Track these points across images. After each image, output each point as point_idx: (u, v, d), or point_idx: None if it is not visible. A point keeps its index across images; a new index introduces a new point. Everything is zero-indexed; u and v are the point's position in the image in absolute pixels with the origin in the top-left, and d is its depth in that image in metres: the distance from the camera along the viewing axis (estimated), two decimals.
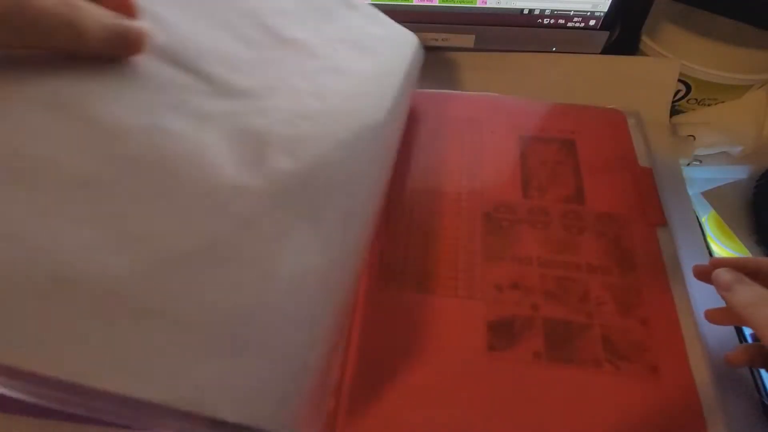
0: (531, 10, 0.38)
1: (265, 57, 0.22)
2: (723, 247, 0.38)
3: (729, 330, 0.28)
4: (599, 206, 0.32)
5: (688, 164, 0.42)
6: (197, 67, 0.19)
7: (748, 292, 0.21)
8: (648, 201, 0.32)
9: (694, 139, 0.40)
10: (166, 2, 0.19)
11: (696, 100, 0.42)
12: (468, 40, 0.41)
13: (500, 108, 0.38)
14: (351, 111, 0.24)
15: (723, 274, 0.23)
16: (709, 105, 0.42)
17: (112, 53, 0.16)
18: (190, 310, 0.14)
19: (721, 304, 0.27)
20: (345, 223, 0.21)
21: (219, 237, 0.16)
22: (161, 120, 0.16)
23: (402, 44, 0.33)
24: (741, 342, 0.28)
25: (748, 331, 0.28)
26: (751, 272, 0.23)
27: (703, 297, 0.27)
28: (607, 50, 0.41)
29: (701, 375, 0.25)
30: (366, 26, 0.30)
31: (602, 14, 0.38)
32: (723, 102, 0.41)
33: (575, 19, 0.39)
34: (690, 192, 0.35)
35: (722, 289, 0.22)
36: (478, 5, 0.39)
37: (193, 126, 0.17)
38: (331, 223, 0.20)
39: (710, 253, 0.32)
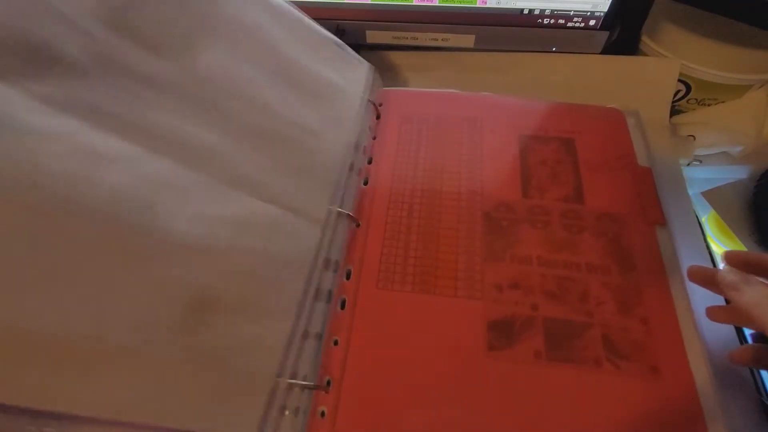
0: (531, 10, 0.38)
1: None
2: (723, 247, 0.38)
3: (729, 330, 0.28)
4: (599, 206, 0.32)
5: (688, 164, 0.41)
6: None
7: (756, 292, 0.22)
8: (647, 201, 0.32)
9: (694, 139, 0.40)
10: None
11: (696, 100, 0.42)
12: (468, 40, 0.41)
13: (500, 108, 0.38)
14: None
15: (729, 275, 0.23)
16: (709, 105, 0.42)
17: None
18: None
19: (721, 302, 0.27)
20: None
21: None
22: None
23: None
24: (741, 342, 0.28)
25: (748, 332, 0.28)
26: (753, 267, 0.24)
27: (702, 297, 0.27)
28: (607, 50, 0.41)
29: (701, 374, 0.25)
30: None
31: (602, 14, 0.38)
32: (723, 102, 0.41)
33: (575, 19, 0.39)
34: (690, 192, 0.35)
35: (730, 289, 0.23)
36: (478, 5, 0.39)
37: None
38: None
39: (710, 253, 0.32)
